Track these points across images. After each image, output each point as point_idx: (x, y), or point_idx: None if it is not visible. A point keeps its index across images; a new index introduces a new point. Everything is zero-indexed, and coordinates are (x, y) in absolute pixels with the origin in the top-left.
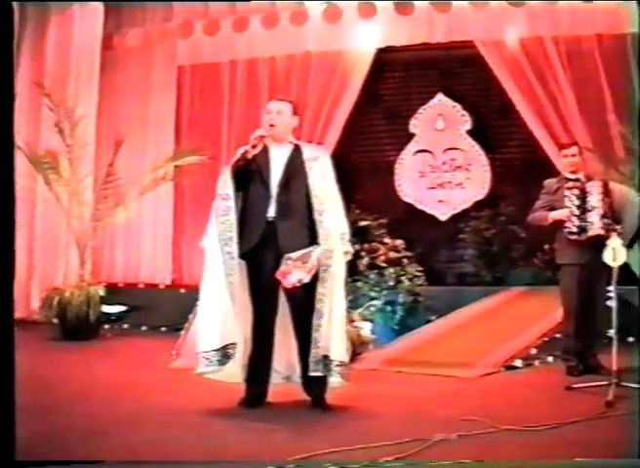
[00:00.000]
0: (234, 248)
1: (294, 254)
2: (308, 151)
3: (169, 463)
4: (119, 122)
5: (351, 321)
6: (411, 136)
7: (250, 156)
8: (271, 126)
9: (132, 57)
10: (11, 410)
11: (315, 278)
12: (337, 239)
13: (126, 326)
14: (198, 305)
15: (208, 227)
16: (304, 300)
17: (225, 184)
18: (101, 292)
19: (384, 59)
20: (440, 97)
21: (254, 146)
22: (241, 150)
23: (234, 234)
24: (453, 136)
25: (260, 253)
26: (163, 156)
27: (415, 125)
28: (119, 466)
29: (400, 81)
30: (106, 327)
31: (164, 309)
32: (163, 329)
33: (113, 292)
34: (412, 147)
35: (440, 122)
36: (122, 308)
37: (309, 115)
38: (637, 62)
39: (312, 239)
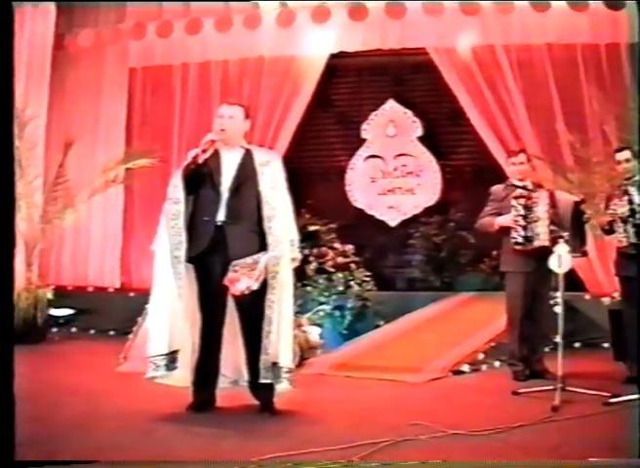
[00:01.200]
0: (183, 252)
1: (242, 261)
2: (260, 156)
3: (166, 463)
4: (69, 123)
5: (300, 325)
6: (362, 141)
7: (201, 160)
8: (222, 130)
9: (83, 57)
10: (11, 411)
11: (264, 284)
12: (286, 245)
13: (74, 329)
14: (147, 309)
15: (158, 231)
16: (253, 307)
17: (176, 188)
18: (49, 294)
19: (337, 65)
20: (391, 104)
21: (204, 151)
22: (192, 154)
23: (183, 238)
24: (404, 143)
25: (209, 258)
26: (113, 158)
27: (366, 130)
28: (115, 466)
29: (352, 86)
30: (54, 330)
31: (113, 313)
32: (111, 332)
33: (61, 296)
34: (363, 153)
35: (391, 128)
36: (70, 311)
37: (261, 119)
38: (637, 71)
39: (261, 245)
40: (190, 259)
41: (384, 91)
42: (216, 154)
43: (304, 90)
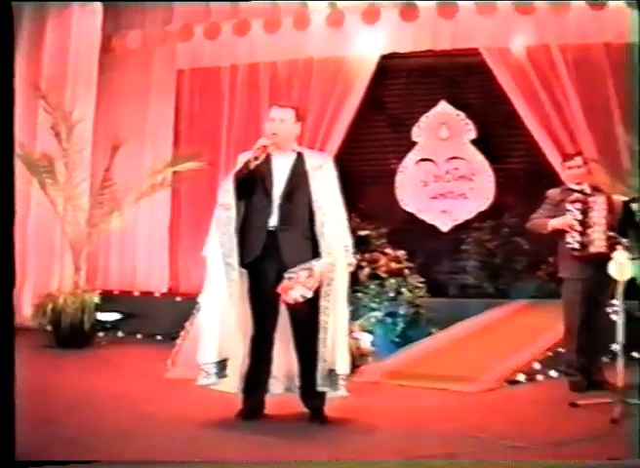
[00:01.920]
0: (235, 259)
1: (296, 269)
2: (312, 160)
3: (166, 463)
4: (117, 126)
5: (351, 332)
6: (413, 144)
7: (252, 166)
8: (274, 134)
9: (131, 59)
10: (11, 411)
11: (317, 292)
12: (340, 251)
13: (121, 334)
14: (195, 314)
15: (209, 237)
16: (307, 315)
17: (227, 193)
18: (96, 299)
19: (388, 66)
20: (443, 106)
21: (256, 157)
22: (242, 159)
23: (235, 245)
24: (456, 145)
25: (262, 264)
26: (161, 161)
27: (417, 133)
28: (117, 466)
29: (403, 88)
30: (101, 334)
31: (160, 317)
32: (158, 337)
33: (108, 300)
34: (414, 156)
35: (444, 130)
36: (117, 316)
37: (311, 122)
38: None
39: (315, 251)
40: (243, 265)
41: (436, 92)
42: (267, 158)
43: (355, 91)
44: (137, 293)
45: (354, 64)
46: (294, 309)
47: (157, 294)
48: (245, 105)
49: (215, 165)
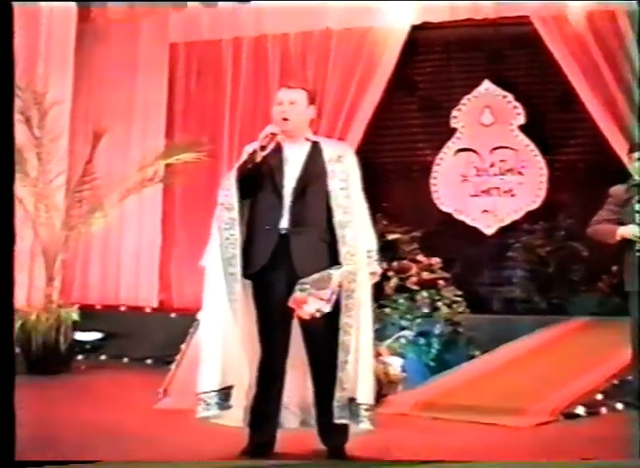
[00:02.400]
0: (239, 268)
1: (310, 279)
2: (330, 150)
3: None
4: (99, 110)
5: (377, 355)
6: (451, 131)
7: (259, 158)
8: (284, 120)
9: (114, 31)
10: (11, 411)
11: (337, 305)
12: (362, 257)
13: (104, 357)
14: (192, 334)
15: (209, 243)
16: (324, 333)
17: (229, 192)
18: (74, 315)
19: (420, 39)
20: (487, 86)
21: (263, 147)
22: (248, 149)
23: (239, 251)
24: (502, 133)
25: (271, 274)
26: (151, 152)
27: (456, 118)
28: (119, 466)
29: (439, 65)
30: (80, 358)
31: (150, 337)
32: (149, 361)
33: (88, 316)
34: (452, 145)
35: (487, 115)
36: (99, 335)
37: (328, 106)
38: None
39: (333, 257)
40: (248, 276)
41: (478, 70)
42: (277, 149)
43: (381, 69)
44: (122, 309)
45: (381, 37)
46: (308, 326)
47: (147, 310)
48: (251, 86)
49: (216, 156)
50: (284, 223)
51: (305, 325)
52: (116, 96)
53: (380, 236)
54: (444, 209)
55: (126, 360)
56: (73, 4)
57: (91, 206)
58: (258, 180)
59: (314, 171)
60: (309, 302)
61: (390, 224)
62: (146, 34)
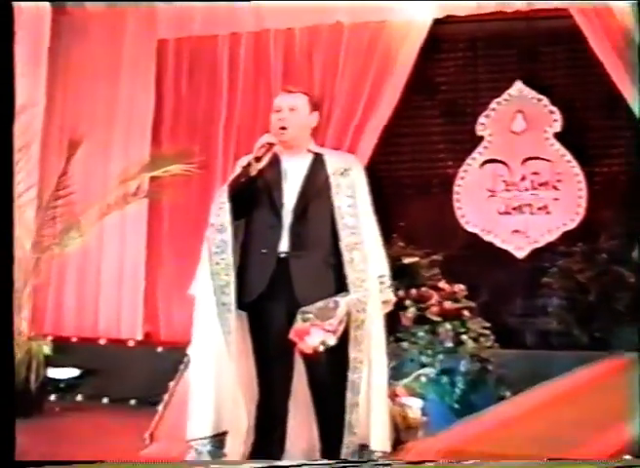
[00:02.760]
0: (232, 297)
1: (313, 307)
2: (334, 162)
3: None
4: (76, 115)
5: (394, 396)
6: (477, 139)
7: (254, 172)
8: (282, 129)
9: (94, 25)
10: (11, 411)
11: (344, 338)
12: (373, 283)
13: (80, 397)
14: (182, 371)
15: (198, 269)
16: (329, 370)
17: (221, 210)
18: (46, 349)
19: (443, 35)
20: (519, 87)
21: (258, 158)
22: (242, 163)
23: (232, 279)
24: (536, 142)
25: (268, 303)
26: (135, 163)
27: (483, 125)
28: (117, 466)
29: (464, 64)
30: (53, 398)
31: (133, 374)
32: (132, 402)
33: (63, 350)
34: (479, 156)
35: (519, 121)
36: (75, 372)
37: (338, 111)
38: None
39: (339, 283)
40: (243, 306)
41: (509, 69)
42: (274, 162)
43: (398, 69)
44: (102, 342)
45: (398, 32)
46: (312, 362)
47: (130, 343)
48: (250, 88)
49: (209, 168)
50: (283, 246)
51: (308, 360)
52: (96, 99)
53: (396, 259)
54: (469, 228)
55: (106, 400)
56: None
57: (65, 224)
58: (253, 198)
59: (317, 186)
60: (312, 334)
61: (407, 246)
62: (131, 29)
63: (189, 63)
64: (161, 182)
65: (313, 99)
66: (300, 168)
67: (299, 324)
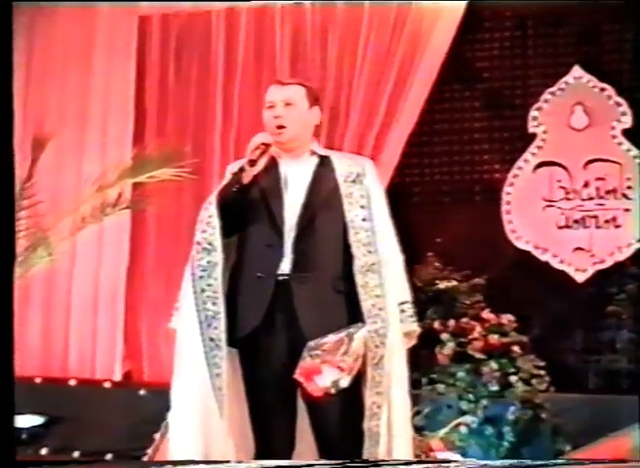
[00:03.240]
0: (222, 331)
1: (323, 341)
2: (344, 166)
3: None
4: (41, 108)
5: (428, 450)
6: (529, 137)
7: (248, 179)
8: (279, 128)
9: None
10: (11, 410)
11: (358, 378)
12: (393, 312)
13: (45, 450)
14: (169, 418)
15: (180, 296)
16: (343, 417)
17: (208, 226)
18: None
19: (485, 11)
20: (578, 74)
21: (253, 162)
22: (233, 168)
23: (222, 308)
24: (600, 140)
25: (265, 337)
26: (115, 167)
27: (536, 120)
28: (120, 466)
29: (510, 47)
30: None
31: (111, 423)
32: (108, 456)
33: (25, 394)
34: (531, 158)
35: (579, 115)
36: (39, 420)
37: (357, 105)
38: None
39: (352, 312)
40: (234, 342)
41: (566, 53)
42: (271, 167)
43: (430, 55)
44: (72, 383)
45: (430, 9)
46: (320, 407)
47: (106, 385)
48: (251, 75)
49: (203, 173)
50: (285, 267)
51: (314, 405)
52: (65, 88)
53: (431, 283)
54: (520, 245)
55: (77, 454)
56: None
57: (31, 240)
58: (247, 210)
59: (324, 195)
60: (323, 373)
61: (445, 267)
62: (107, 4)
63: (177, 45)
64: (146, 190)
65: (312, 92)
66: (302, 173)
67: (307, 361)
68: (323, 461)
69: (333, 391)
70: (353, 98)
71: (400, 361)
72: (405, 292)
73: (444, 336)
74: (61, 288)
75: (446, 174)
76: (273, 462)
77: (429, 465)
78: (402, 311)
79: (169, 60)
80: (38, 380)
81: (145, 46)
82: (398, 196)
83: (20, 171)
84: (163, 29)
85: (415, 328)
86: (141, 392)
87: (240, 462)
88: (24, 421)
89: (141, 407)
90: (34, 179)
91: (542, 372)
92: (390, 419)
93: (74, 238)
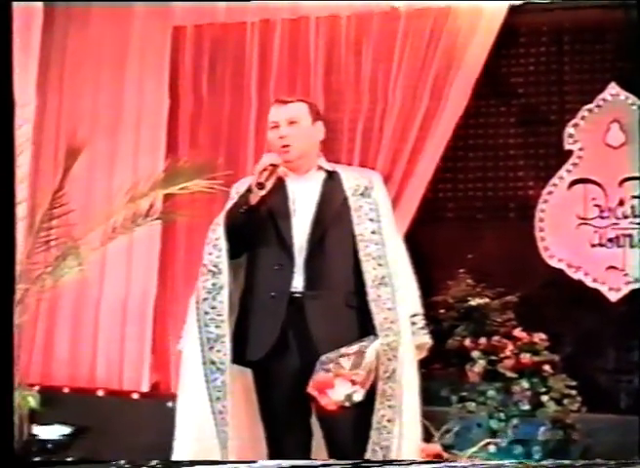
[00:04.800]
0: (225, 354)
1: (335, 354)
2: (352, 180)
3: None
4: (74, 118)
5: None
6: (565, 155)
7: (255, 200)
8: (284, 147)
9: (95, 10)
10: (11, 410)
11: (373, 392)
12: (404, 325)
13: (71, 459)
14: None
15: (187, 318)
16: (355, 431)
17: (215, 248)
18: (32, 401)
19: (522, 24)
20: (615, 91)
21: (261, 185)
22: (239, 188)
23: (226, 331)
24: (637, 158)
25: (280, 360)
26: (146, 178)
27: (572, 137)
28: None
29: (547, 62)
30: (38, 459)
31: (138, 433)
32: None
33: (52, 403)
34: (566, 175)
35: (615, 132)
36: (66, 430)
37: (392, 119)
38: None
39: (364, 326)
40: (248, 363)
41: (601, 68)
42: (278, 186)
43: (465, 67)
44: (100, 394)
45: (465, 22)
46: (333, 420)
47: (134, 396)
48: (285, 85)
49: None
50: (297, 285)
51: (328, 419)
52: (98, 98)
53: (463, 300)
54: (553, 263)
55: (102, 466)
56: None
57: (61, 250)
58: (255, 231)
59: (333, 210)
60: (336, 386)
61: (477, 284)
62: (140, 14)
63: (211, 56)
64: (178, 201)
65: (313, 107)
66: (310, 191)
67: (319, 375)
68: (333, 461)
69: (347, 405)
70: (388, 112)
71: (411, 374)
72: (416, 305)
73: (475, 354)
74: (91, 298)
75: (480, 189)
76: (279, 462)
77: (438, 465)
78: (413, 323)
79: (202, 71)
80: (66, 390)
81: (179, 56)
82: (431, 211)
83: (52, 180)
84: (197, 40)
85: (426, 340)
86: (169, 404)
87: (241, 462)
88: (51, 431)
89: (169, 418)
90: (66, 189)
91: (574, 392)
92: (401, 433)
93: (104, 248)
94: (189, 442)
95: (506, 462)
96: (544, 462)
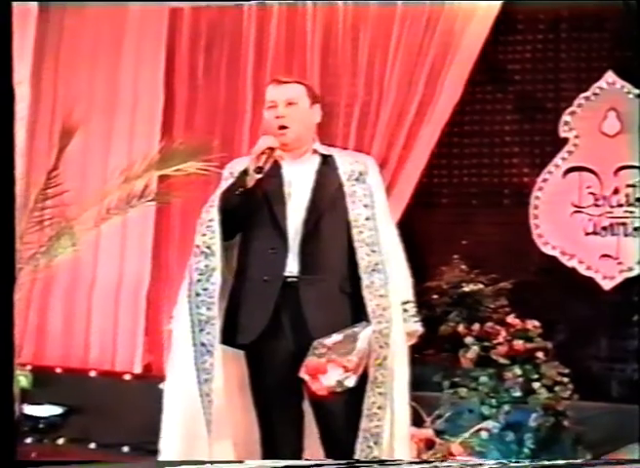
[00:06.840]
0: (215, 336)
1: (329, 340)
2: (347, 164)
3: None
4: (69, 98)
5: (448, 454)
6: (560, 142)
7: (251, 183)
8: (282, 128)
9: None
10: (11, 410)
11: (363, 378)
12: (396, 312)
13: (62, 440)
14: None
15: (178, 299)
16: (348, 416)
17: (208, 230)
18: (24, 381)
19: (519, 12)
20: (612, 79)
21: (260, 168)
22: (233, 168)
23: (216, 313)
24: (632, 147)
25: (272, 340)
26: (142, 159)
27: (567, 125)
28: (118, 466)
29: (544, 49)
30: (29, 441)
31: (129, 415)
32: (125, 449)
33: (44, 383)
34: (561, 163)
35: (611, 121)
36: (58, 410)
37: (388, 106)
38: None
39: (357, 313)
40: (242, 344)
41: (598, 57)
42: (274, 168)
43: (462, 54)
44: (92, 374)
45: (462, 9)
46: (325, 405)
47: (126, 377)
48: (281, 70)
49: None
50: (292, 269)
51: (319, 404)
52: (94, 78)
53: (457, 286)
54: (547, 251)
55: (93, 445)
56: None
57: (55, 230)
58: (250, 213)
59: (329, 195)
60: (329, 371)
61: (471, 271)
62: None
63: (208, 39)
64: (172, 183)
65: (311, 90)
66: (305, 174)
67: (312, 360)
68: (329, 461)
69: (338, 390)
70: (384, 97)
71: (402, 361)
72: (408, 292)
73: (468, 340)
74: (84, 278)
75: (475, 176)
76: (278, 462)
77: (427, 465)
78: (405, 311)
79: (199, 54)
80: (58, 370)
81: (175, 39)
82: (426, 197)
83: (46, 159)
84: (193, 23)
85: (417, 328)
86: (161, 385)
87: (241, 462)
88: (42, 411)
89: (161, 400)
90: (60, 169)
91: (566, 380)
92: (392, 420)
93: (99, 229)
94: (176, 422)
95: (486, 461)
96: (524, 462)
